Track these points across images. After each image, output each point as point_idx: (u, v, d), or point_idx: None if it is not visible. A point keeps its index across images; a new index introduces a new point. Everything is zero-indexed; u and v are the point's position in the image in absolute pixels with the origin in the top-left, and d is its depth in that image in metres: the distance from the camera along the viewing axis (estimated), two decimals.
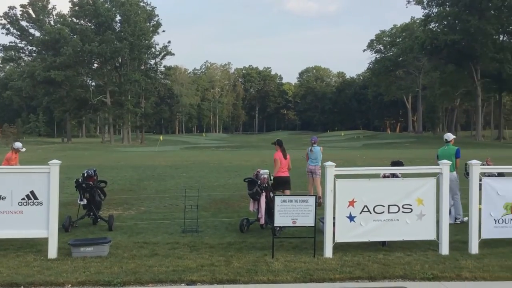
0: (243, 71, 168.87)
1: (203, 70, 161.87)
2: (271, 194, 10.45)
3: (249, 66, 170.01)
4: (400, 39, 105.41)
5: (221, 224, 11.23)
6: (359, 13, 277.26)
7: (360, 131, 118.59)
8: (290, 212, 8.46)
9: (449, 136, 12.08)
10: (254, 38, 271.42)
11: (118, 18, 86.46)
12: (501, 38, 77.66)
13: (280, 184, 11.62)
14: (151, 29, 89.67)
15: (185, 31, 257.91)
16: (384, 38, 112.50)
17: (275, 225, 8.66)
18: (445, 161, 8.85)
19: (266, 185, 10.65)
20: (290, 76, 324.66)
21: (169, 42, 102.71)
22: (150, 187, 18.39)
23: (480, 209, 8.82)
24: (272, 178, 11.21)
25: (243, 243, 9.34)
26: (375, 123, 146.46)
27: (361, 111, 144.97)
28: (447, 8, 75.75)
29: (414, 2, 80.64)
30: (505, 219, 8.81)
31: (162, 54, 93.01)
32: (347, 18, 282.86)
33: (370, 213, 8.54)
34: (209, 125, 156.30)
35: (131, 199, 15.31)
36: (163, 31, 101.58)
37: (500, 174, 10.79)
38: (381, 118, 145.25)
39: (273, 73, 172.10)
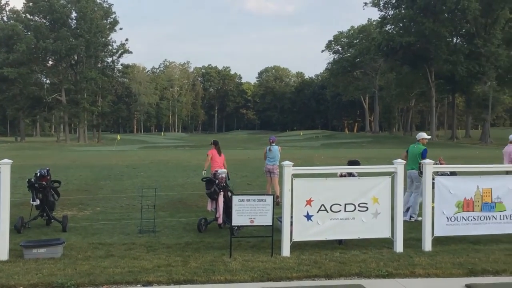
0: (203, 71, 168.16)
1: (162, 69, 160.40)
2: (229, 194, 10.43)
3: (209, 65, 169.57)
4: (358, 41, 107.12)
5: (179, 224, 11.13)
6: (318, 14, 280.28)
7: (319, 131, 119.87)
8: (248, 211, 8.45)
9: (419, 135, 12.40)
10: (214, 37, 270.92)
11: (74, 14, 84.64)
12: (454, 41, 79.88)
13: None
14: (108, 26, 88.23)
15: (143, 29, 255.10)
16: (342, 39, 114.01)
17: (233, 224, 8.64)
18: (399, 160, 9.02)
19: (224, 184, 10.63)
20: (249, 76, 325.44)
21: (126, 40, 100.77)
22: (106, 187, 18.07)
23: (433, 208, 9.04)
24: (204, 172, 12.00)
25: (200, 243, 9.28)
26: (333, 123, 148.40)
27: (320, 111, 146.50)
28: (403, 11, 77.33)
29: (371, 4, 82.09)
30: (457, 217, 9.05)
31: (120, 52, 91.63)
32: (306, 19, 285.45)
33: (327, 212, 8.62)
34: (168, 124, 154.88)
35: (86, 199, 15.00)
36: (121, 28, 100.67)
37: (453, 173, 11.10)
38: (340, 118, 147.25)
39: (232, 72, 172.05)
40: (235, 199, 8.53)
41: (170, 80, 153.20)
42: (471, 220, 9.08)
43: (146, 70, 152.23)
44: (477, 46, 70.86)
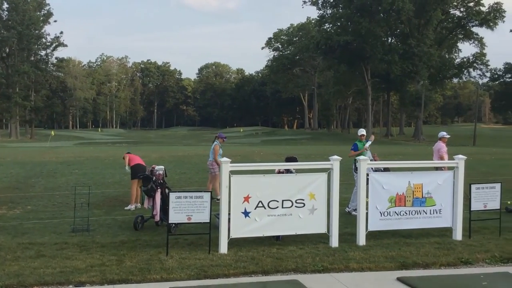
0: (141, 66, 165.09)
1: (99, 63, 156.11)
2: (167, 191, 10.28)
3: (148, 60, 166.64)
4: (297, 38, 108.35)
5: (114, 222, 10.88)
6: (258, 11, 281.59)
7: (259, 128, 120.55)
8: (185, 208, 8.35)
9: (359, 131, 12.79)
10: (153, 32, 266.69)
11: (5, 5, 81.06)
12: (389, 41, 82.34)
13: (140, 171, 12.07)
14: (41, 18, 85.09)
15: (80, 22, 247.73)
16: (282, 37, 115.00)
17: (169, 222, 8.53)
18: (335, 157, 9.17)
19: (162, 181, 10.47)
20: (189, 72, 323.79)
21: (61, 32, 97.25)
22: (38, 185, 17.43)
23: (367, 203, 9.26)
24: (129, 168, 12.37)
25: (136, 241, 9.10)
26: (273, 120, 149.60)
27: (260, 107, 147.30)
28: (340, 10, 78.89)
29: (310, 2, 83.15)
30: (389, 212, 9.31)
31: (54, 45, 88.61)
32: (247, 15, 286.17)
33: (265, 208, 8.66)
34: (105, 120, 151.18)
35: (17, 197, 14.41)
36: (55, 21, 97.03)
37: (386, 169, 11.41)
38: (279, 115, 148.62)
39: (172, 68, 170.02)
40: (172, 196, 8.41)
41: (108, 75, 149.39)
42: (403, 214, 9.37)
43: (82, 64, 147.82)
44: (410, 46, 73.34)
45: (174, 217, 8.36)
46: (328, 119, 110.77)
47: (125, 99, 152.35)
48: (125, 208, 12.60)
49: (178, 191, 9.44)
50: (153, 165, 10.93)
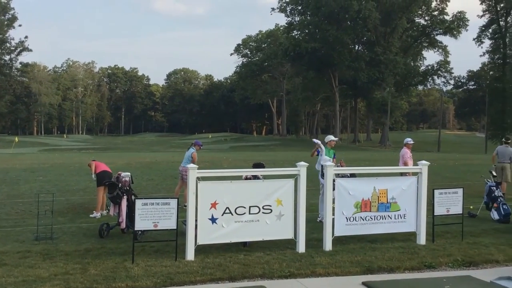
0: (109, 71, 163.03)
1: (65, 68, 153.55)
2: (133, 197, 10.18)
3: (115, 65, 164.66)
4: (266, 45, 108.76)
5: (79, 230, 10.70)
6: (227, 17, 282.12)
7: (228, 134, 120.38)
8: (152, 215, 8.30)
9: (326, 138, 12.68)
10: (120, 37, 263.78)
11: None
12: (356, 48, 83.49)
13: (106, 178, 11.92)
14: (5, 22, 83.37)
15: (45, 26, 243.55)
16: (251, 43, 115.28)
17: (135, 229, 8.45)
18: (302, 163, 9.24)
19: (128, 188, 10.36)
20: (157, 78, 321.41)
21: (26, 37, 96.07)
22: (0, 192, 16.98)
23: (333, 208, 9.35)
24: (95, 176, 12.25)
25: (102, 249, 8.98)
26: (242, 126, 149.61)
27: (229, 113, 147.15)
28: (308, 18, 79.58)
29: (278, 10, 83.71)
30: (355, 217, 9.42)
31: (18, 49, 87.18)
32: (215, 21, 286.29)
33: (232, 214, 8.66)
34: (71, 126, 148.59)
35: None
36: (20, 25, 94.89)
37: (352, 175, 11.53)
38: (248, 121, 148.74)
39: (140, 74, 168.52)
40: (138, 203, 8.35)
41: (74, 80, 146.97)
42: (369, 219, 9.49)
43: (48, 69, 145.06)
44: (377, 53, 74.48)
45: (140, 224, 8.29)
46: (297, 125, 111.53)
47: (91, 104, 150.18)
48: (90, 215, 12.41)
49: (145, 198, 9.36)
50: (119, 172, 10.81)
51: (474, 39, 73.60)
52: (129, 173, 10.69)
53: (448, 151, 61.50)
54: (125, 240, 9.75)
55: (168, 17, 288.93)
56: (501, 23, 69.71)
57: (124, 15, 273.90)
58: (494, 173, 13.61)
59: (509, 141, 15.89)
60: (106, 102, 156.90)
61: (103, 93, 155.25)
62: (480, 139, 73.59)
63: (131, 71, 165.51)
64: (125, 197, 10.22)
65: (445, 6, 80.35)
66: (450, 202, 10.07)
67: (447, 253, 8.96)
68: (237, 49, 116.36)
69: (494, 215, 12.20)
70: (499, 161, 15.63)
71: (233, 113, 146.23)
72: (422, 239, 9.71)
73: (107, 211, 12.22)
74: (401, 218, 9.70)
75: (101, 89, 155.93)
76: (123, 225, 10.18)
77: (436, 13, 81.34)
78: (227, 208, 8.63)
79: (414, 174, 10.26)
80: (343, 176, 10.99)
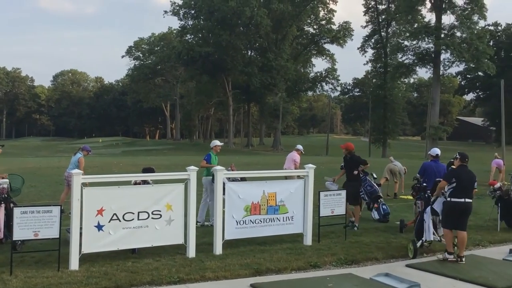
0: None
1: None
2: (11, 205, 9.56)
3: None
4: (159, 48, 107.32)
5: None
6: (118, 18, 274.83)
7: (119, 138, 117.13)
8: (32, 224, 7.83)
9: (212, 143, 12.59)
10: (2, 35, 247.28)
11: None
12: (249, 53, 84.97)
13: None
14: None
15: None
16: (143, 46, 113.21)
17: (14, 239, 7.93)
18: (192, 167, 9.21)
19: (6, 195, 9.71)
20: (43, 79, 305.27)
21: None
22: None
23: (224, 212, 9.42)
24: None
25: None
26: (134, 130, 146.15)
27: (121, 117, 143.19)
28: (202, 22, 79.75)
29: (171, 13, 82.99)
30: (245, 221, 9.55)
31: None
32: (106, 22, 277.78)
33: (120, 221, 8.43)
34: None
35: None
36: None
37: (243, 179, 11.73)
38: (141, 125, 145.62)
39: (23, 74, 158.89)
40: (17, 211, 7.84)
41: None
42: (258, 222, 9.67)
43: None
44: (269, 59, 76.31)
45: (19, 233, 7.80)
46: (191, 129, 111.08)
47: None
48: None
49: (26, 206, 8.83)
50: None
51: (358, 48, 77.78)
52: (7, 180, 10.04)
53: (336, 155, 64.18)
54: (3, 250, 9.10)
55: (55, 16, 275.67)
56: (383, 33, 74.25)
57: (5, 13, 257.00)
58: (375, 175, 14.43)
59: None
60: None
61: None
62: (364, 143, 77.77)
63: (14, 72, 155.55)
64: (2, 205, 9.56)
65: (332, 16, 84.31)
66: (334, 203, 10.53)
67: (332, 252, 9.36)
68: (129, 52, 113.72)
69: (375, 215, 12.93)
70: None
71: (125, 117, 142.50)
72: (308, 240, 10.06)
73: None
74: (289, 220, 9.99)
75: None
76: (1, 234, 9.51)
77: (323, 22, 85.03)
78: (115, 214, 8.38)
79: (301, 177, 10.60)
80: (234, 180, 11.14)
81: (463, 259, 8.81)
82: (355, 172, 11.89)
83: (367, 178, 12.77)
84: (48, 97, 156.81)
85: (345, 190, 11.05)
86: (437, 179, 10.08)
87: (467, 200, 8.96)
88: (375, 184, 12.97)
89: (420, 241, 9.43)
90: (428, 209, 9.60)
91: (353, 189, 11.72)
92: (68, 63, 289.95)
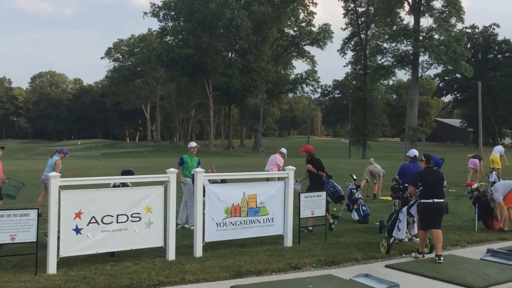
0: None
1: None
2: None
3: None
4: (138, 49, 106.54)
5: None
6: (98, 19, 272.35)
7: (99, 140, 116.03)
8: (9, 227, 7.71)
9: (189, 144, 12.50)
10: None
11: None
12: (229, 55, 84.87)
13: None
14: None
15: None
16: (123, 47, 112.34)
17: None
18: (172, 169, 9.16)
19: None
20: (21, 81, 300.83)
21: None
22: None
23: (204, 214, 9.38)
24: None
25: None
26: (114, 132, 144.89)
27: (100, 119, 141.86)
28: (182, 23, 79.43)
29: (151, 14, 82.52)
30: (225, 223, 9.53)
31: None
32: (85, 23, 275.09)
33: (98, 224, 8.34)
34: None
35: None
36: None
37: (223, 181, 11.69)
38: (121, 127, 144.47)
39: (0, 76, 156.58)
40: None
41: None
42: (238, 224, 9.65)
43: None
44: (249, 61, 76.32)
45: None
46: (171, 131, 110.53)
47: None
48: None
49: (2, 209, 8.69)
50: None
51: (338, 50, 78.11)
52: None
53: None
54: None
55: (33, 16, 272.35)
56: (362, 36, 74.74)
57: None
58: (355, 177, 14.52)
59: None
60: None
61: None
62: (345, 145, 78.29)
63: None
64: None
65: (312, 18, 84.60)
66: (315, 205, 10.56)
67: (312, 253, 9.39)
68: (108, 53, 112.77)
69: (355, 216, 13.00)
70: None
71: (105, 119, 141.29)
72: (289, 242, 10.07)
73: None
74: (269, 222, 9.99)
75: None
76: None
77: (304, 24, 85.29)
78: (93, 217, 8.29)
79: (281, 179, 10.62)
80: (214, 182, 11.10)
81: (441, 258, 8.90)
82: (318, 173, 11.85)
83: (329, 181, 12.68)
84: (26, 99, 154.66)
85: (324, 192, 11.10)
86: (406, 184, 10.24)
87: (435, 200, 9.14)
88: (337, 185, 12.81)
89: (392, 238, 9.59)
90: (404, 208, 9.74)
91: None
92: (46, 65, 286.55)
